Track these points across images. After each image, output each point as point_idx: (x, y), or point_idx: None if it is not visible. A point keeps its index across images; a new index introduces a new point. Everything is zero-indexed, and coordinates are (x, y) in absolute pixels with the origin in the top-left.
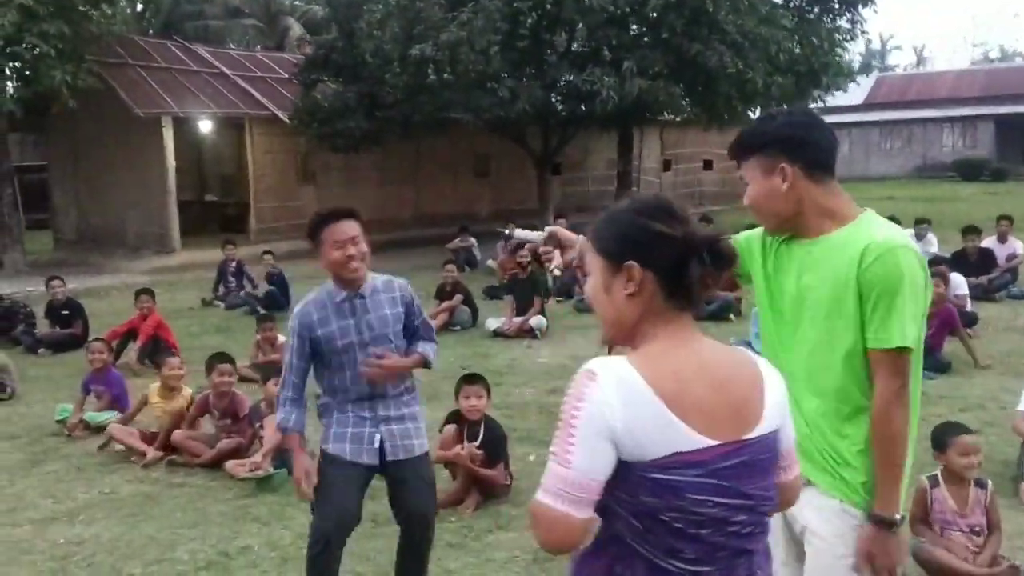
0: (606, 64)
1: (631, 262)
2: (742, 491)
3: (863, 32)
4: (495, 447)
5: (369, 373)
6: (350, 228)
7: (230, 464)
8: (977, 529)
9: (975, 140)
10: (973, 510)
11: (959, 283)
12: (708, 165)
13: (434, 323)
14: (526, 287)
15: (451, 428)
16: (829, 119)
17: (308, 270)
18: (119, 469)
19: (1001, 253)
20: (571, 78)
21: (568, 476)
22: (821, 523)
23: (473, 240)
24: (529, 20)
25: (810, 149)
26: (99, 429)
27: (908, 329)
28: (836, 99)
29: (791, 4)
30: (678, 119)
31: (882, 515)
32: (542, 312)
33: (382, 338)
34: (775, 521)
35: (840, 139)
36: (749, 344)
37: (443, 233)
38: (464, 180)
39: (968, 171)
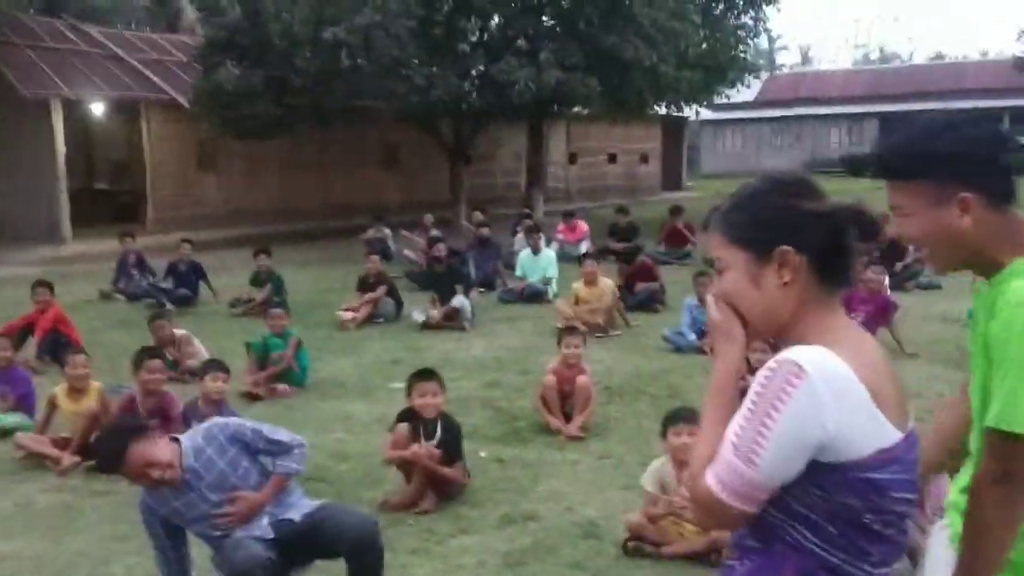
0: (522, 54)
1: (785, 247)
2: (915, 484)
3: (766, 30)
4: (454, 445)
5: (228, 522)
6: (145, 455)
7: None
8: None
9: (861, 137)
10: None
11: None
12: (612, 159)
13: (358, 315)
14: (445, 280)
15: (404, 427)
16: (723, 115)
17: (212, 261)
18: (32, 477)
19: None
20: (485, 68)
21: (751, 477)
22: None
23: (388, 230)
24: (445, 7)
25: (997, 172)
26: (5, 433)
27: (1019, 409)
28: (727, 97)
29: (698, 1)
30: (585, 112)
31: None
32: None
33: (233, 489)
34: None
35: (734, 135)
36: (681, 335)
37: (352, 224)
38: (373, 170)
39: (855, 166)
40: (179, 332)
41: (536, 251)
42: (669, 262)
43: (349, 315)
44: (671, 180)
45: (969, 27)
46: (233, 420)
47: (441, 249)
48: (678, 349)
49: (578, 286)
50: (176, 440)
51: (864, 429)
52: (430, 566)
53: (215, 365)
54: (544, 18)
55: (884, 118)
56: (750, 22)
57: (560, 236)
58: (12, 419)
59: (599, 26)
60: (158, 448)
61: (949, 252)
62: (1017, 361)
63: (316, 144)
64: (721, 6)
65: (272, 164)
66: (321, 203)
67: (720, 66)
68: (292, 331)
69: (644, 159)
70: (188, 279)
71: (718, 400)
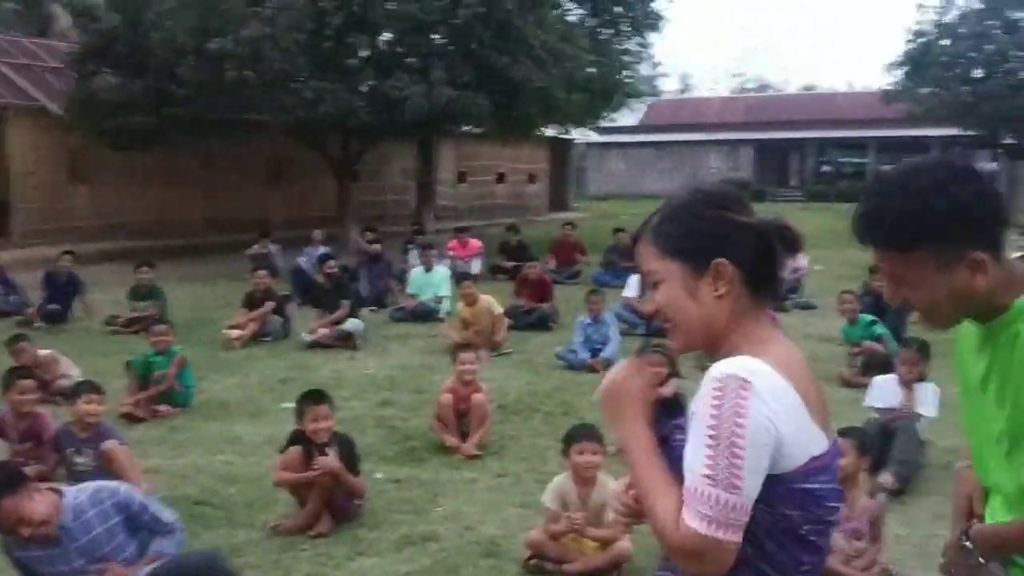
0: (414, 71)
1: (720, 259)
2: (841, 493)
3: (649, 56)
4: (351, 463)
5: None
6: (19, 510)
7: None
8: (859, 535)
9: (737, 162)
10: (860, 517)
11: None
12: (501, 178)
13: (244, 333)
14: (333, 296)
15: (296, 449)
16: (609, 139)
17: (84, 276)
18: None
19: (786, 266)
20: (376, 83)
21: (735, 503)
22: None
23: (272, 246)
24: (335, 21)
25: (999, 225)
26: None
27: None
28: (614, 120)
29: (585, 24)
30: (475, 131)
31: None
32: (355, 316)
33: (103, 559)
34: None
35: (618, 158)
36: (574, 352)
37: (235, 240)
38: (258, 185)
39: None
40: (43, 352)
41: (428, 268)
42: (559, 281)
43: (235, 333)
44: (558, 200)
45: (838, 61)
46: (123, 488)
47: (332, 265)
48: (570, 367)
49: (461, 306)
50: (58, 492)
51: (798, 437)
52: None
53: (87, 386)
54: (436, 36)
55: (760, 145)
56: (635, 47)
57: (452, 253)
58: None
59: (490, 46)
60: (34, 504)
61: (957, 311)
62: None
63: (198, 157)
64: (607, 31)
65: (150, 176)
66: (202, 218)
67: (607, 90)
68: (176, 349)
69: (532, 179)
70: (63, 293)
71: (650, 460)
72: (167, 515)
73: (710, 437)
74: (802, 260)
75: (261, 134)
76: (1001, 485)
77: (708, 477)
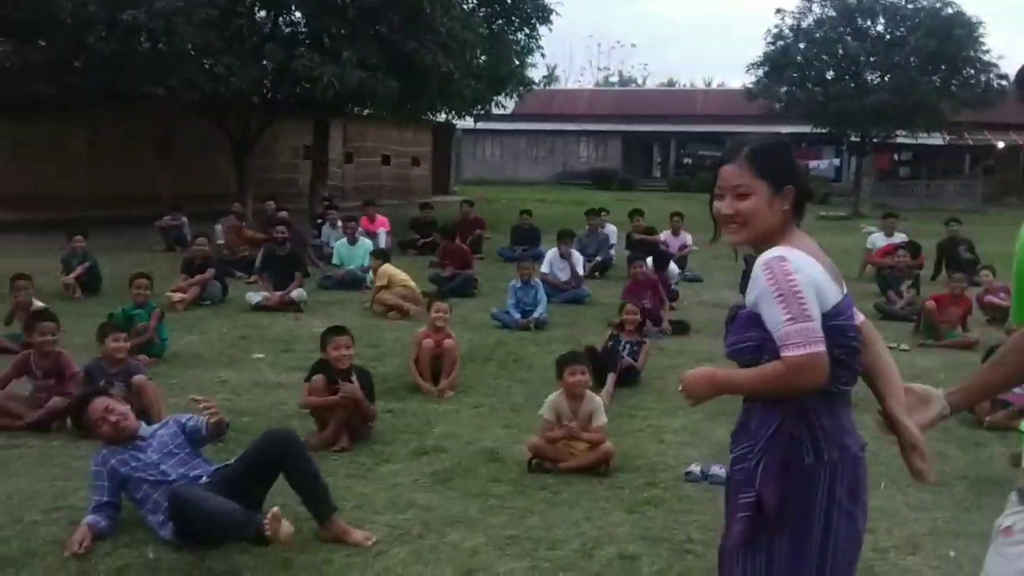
0: (325, 51)
1: (790, 186)
2: (857, 328)
3: (539, 47)
4: (369, 390)
5: (209, 407)
6: (106, 402)
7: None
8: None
9: (606, 153)
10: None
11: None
12: (386, 160)
13: (186, 296)
14: (286, 263)
15: (320, 377)
16: (483, 126)
17: None
18: None
19: (674, 244)
20: (287, 62)
21: (814, 326)
22: None
23: (184, 219)
24: None
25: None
26: None
27: None
28: (505, 108)
29: (480, 13)
30: (363, 113)
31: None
32: (301, 286)
33: (173, 455)
34: None
35: (493, 146)
36: (508, 313)
37: (125, 215)
38: (145, 159)
39: (601, 179)
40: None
41: (352, 241)
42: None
43: (177, 296)
44: (440, 184)
45: (697, 59)
46: (183, 415)
47: (283, 231)
48: (505, 326)
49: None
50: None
51: (825, 288)
52: (371, 486)
53: (110, 327)
54: (345, 18)
55: (626, 136)
56: (524, 39)
57: (360, 228)
58: None
59: (399, 30)
60: (114, 402)
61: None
62: None
63: (86, 129)
64: (499, 21)
65: (39, 148)
66: (89, 191)
67: (499, 78)
68: (153, 303)
69: (416, 162)
70: None
71: (742, 377)
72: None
73: (777, 296)
74: (687, 238)
75: (151, 107)
76: None
77: (789, 320)
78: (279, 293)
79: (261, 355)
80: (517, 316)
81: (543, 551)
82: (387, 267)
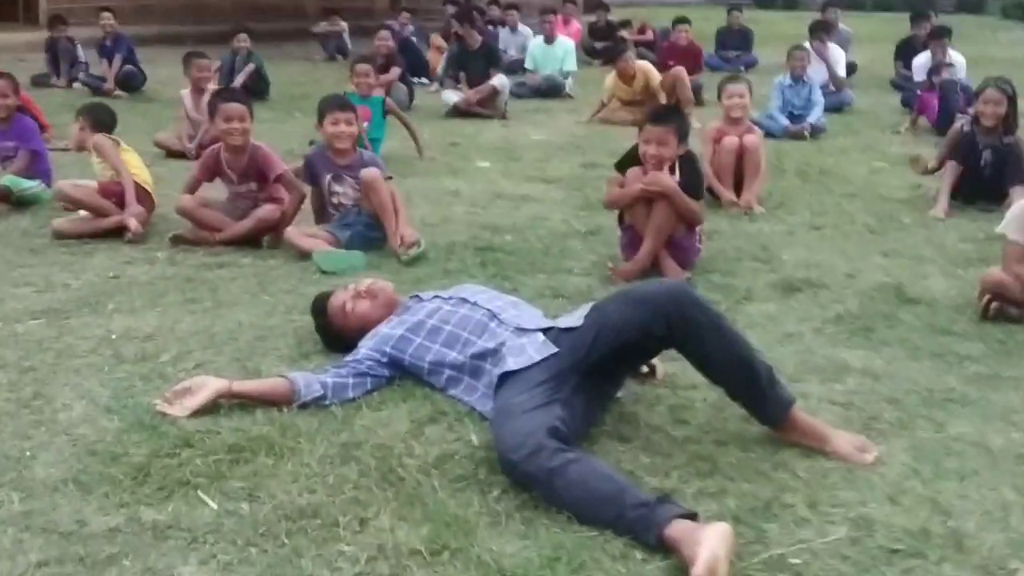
0: None
1: None
2: None
3: None
4: (695, 186)
5: None
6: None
7: (291, 231)
8: None
9: None
10: None
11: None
12: None
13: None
14: (479, 59)
15: (636, 170)
16: None
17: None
18: (94, 251)
19: None
20: None
21: None
22: None
23: (344, 23)
24: None
25: None
26: (26, 202)
27: None
28: None
29: None
30: None
31: None
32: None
33: None
34: None
35: None
36: (772, 118)
37: (268, 28)
38: None
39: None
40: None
41: (550, 40)
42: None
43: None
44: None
45: None
46: None
47: (475, 31)
48: (769, 134)
49: (610, 81)
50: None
51: None
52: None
53: (332, 103)
54: None
55: None
56: None
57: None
58: (29, 184)
59: None
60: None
61: None
62: None
63: None
64: None
65: None
66: (233, 3)
67: None
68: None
69: None
70: (126, 56)
71: None
72: None
73: None
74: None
75: None
76: None
77: None
78: (475, 91)
79: (486, 163)
80: (784, 121)
81: None
82: (645, 65)
